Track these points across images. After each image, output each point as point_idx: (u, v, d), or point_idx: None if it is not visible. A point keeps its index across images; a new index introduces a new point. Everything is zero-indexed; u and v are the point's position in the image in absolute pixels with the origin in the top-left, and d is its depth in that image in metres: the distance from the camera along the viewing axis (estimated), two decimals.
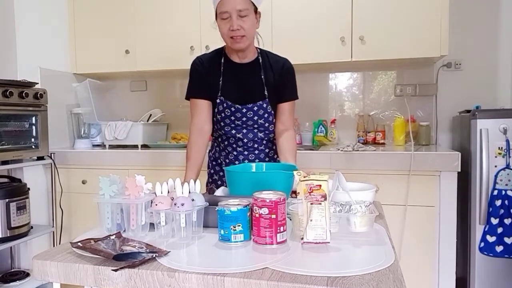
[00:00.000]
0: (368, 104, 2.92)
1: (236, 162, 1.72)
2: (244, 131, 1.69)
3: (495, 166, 2.14)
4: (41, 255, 0.95)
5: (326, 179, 0.97)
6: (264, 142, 1.74)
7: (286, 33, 2.62)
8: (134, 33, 2.93)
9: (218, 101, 1.66)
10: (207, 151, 1.78)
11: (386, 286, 0.74)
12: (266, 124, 1.70)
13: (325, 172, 1.12)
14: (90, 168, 2.72)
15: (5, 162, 2.35)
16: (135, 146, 2.79)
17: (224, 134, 1.72)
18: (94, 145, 2.99)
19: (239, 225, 0.98)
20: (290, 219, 1.10)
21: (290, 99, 1.72)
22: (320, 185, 0.96)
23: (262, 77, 1.67)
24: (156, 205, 1.03)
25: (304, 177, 0.99)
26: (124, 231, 1.09)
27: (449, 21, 2.40)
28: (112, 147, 2.84)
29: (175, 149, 2.62)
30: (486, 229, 2.16)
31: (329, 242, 0.96)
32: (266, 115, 1.68)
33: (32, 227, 2.49)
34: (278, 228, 0.97)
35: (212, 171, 1.81)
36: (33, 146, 2.52)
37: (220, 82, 1.66)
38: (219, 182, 1.77)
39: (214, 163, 1.81)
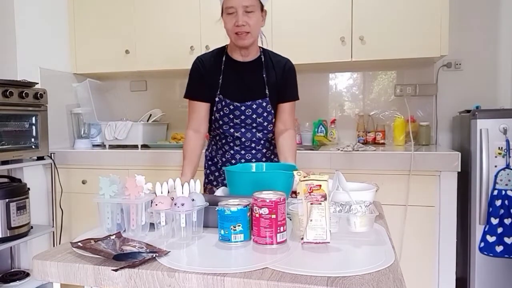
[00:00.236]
0: (368, 104, 2.92)
1: (233, 161, 1.71)
2: (243, 130, 1.68)
3: (495, 166, 2.14)
4: (41, 255, 0.95)
5: (326, 179, 0.98)
6: (262, 142, 1.73)
7: (286, 33, 2.62)
8: (134, 33, 2.93)
9: (217, 99, 1.65)
10: (204, 150, 1.78)
11: (386, 286, 0.74)
12: (265, 124, 1.68)
13: (325, 172, 1.12)
14: (90, 168, 2.72)
15: (5, 162, 2.35)
16: (135, 146, 2.79)
17: (222, 133, 1.71)
18: (94, 145, 2.99)
19: (239, 225, 0.98)
20: (290, 219, 1.10)
21: (291, 99, 1.71)
22: (320, 185, 0.96)
23: (264, 76, 1.66)
24: (156, 205, 1.03)
25: (304, 177, 0.99)
26: (124, 231, 1.09)
27: (449, 21, 2.40)
28: (112, 147, 2.84)
29: (175, 149, 2.62)
30: (486, 229, 2.16)
31: (329, 242, 0.96)
32: (265, 114, 1.67)
33: (32, 227, 2.49)
34: (278, 228, 0.97)
35: (208, 171, 1.81)
36: (33, 146, 2.52)
37: (220, 81, 1.66)
38: (214, 183, 1.77)
39: (210, 162, 1.80)
